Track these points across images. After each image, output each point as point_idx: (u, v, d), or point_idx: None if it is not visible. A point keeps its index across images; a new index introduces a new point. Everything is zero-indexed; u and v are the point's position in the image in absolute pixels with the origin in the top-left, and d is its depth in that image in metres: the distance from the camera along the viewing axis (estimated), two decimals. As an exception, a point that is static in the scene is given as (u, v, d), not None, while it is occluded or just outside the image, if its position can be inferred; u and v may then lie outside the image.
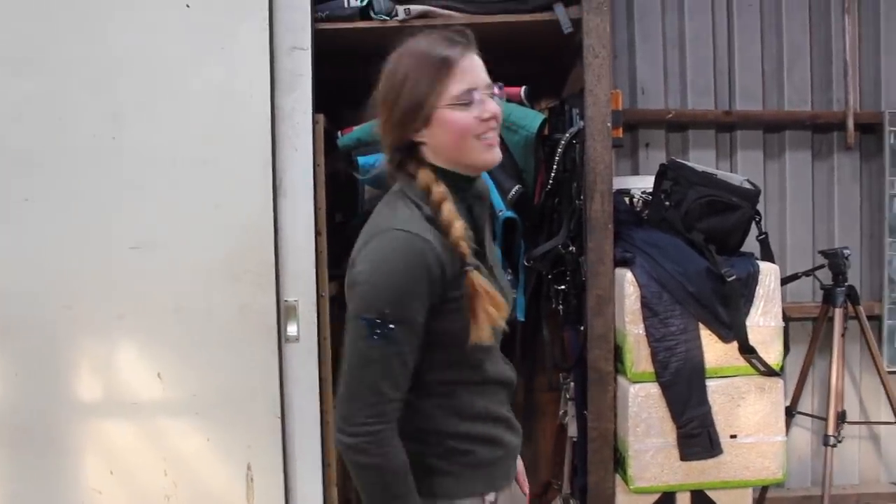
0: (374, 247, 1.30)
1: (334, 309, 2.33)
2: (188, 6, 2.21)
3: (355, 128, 2.48)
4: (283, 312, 2.24)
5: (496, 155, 1.37)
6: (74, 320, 2.22)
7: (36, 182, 2.21)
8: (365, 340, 1.26)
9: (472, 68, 1.34)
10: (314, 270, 2.27)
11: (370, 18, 2.38)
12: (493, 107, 1.34)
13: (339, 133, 2.49)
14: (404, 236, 1.28)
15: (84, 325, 2.23)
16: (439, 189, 1.33)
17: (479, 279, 1.31)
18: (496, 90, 1.43)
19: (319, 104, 2.31)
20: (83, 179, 2.21)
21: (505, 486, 1.49)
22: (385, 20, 2.37)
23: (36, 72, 2.20)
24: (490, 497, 1.43)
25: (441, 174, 1.35)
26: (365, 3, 2.36)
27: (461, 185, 1.38)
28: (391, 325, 1.25)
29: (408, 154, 1.38)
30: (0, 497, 2.23)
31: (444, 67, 1.31)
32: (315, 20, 2.32)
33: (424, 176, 1.35)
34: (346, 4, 2.36)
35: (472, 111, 1.32)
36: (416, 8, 2.37)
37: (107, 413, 2.24)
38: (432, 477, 1.37)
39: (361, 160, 2.35)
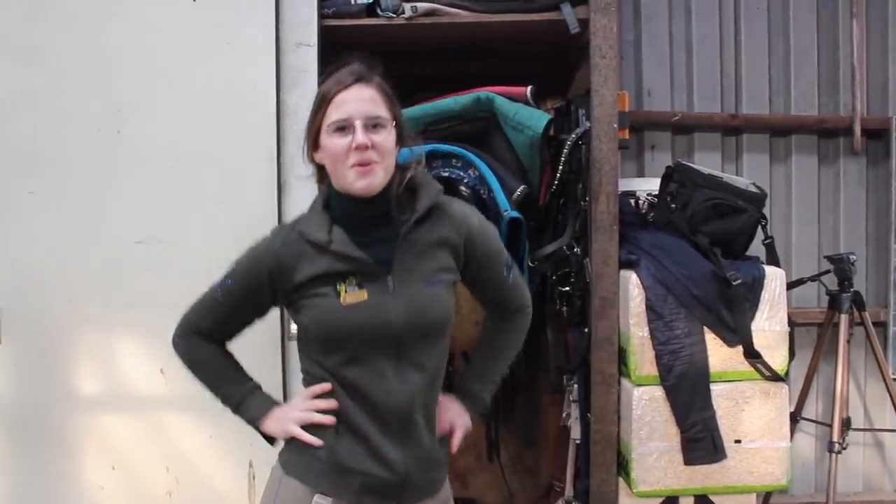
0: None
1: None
2: (194, 1, 2.20)
3: (361, 126, 2.46)
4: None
5: (369, 183, 1.46)
6: (77, 315, 2.21)
7: (40, 176, 2.20)
8: (211, 288, 1.62)
9: (354, 100, 1.46)
10: (318, 268, 2.26)
11: (377, 15, 2.37)
12: (360, 138, 1.44)
13: (344, 131, 2.48)
14: (269, 233, 1.59)
15: (87, 319, 2.22)
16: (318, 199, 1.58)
17: None
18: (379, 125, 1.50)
19: (325, 101, 2.31)
20: (87, 174, 2.21)
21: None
22: (392, 17, 2.36)
23: (40, 66, 2.20)
24: (321, 500, 1.50)
25: (334, 193, 1.53)
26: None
27: (352, 204, 1.50)
28: (225, 284, 1.58)
29: (321, 172, 1.57)
30: (2, 491, 2.22)
31: (327, 96, 1.48)
32: (321, 16, 2.31)
33: (321, 188, 1.60)
34: (352, 1, 2.35)
35: (345, 139, 1.45)
36: (422, 5, 2.36)
37: (109, 408, 2.23)
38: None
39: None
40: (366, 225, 1.51)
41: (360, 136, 1.44)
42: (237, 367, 1.66)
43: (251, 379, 1.65)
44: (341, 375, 1.50)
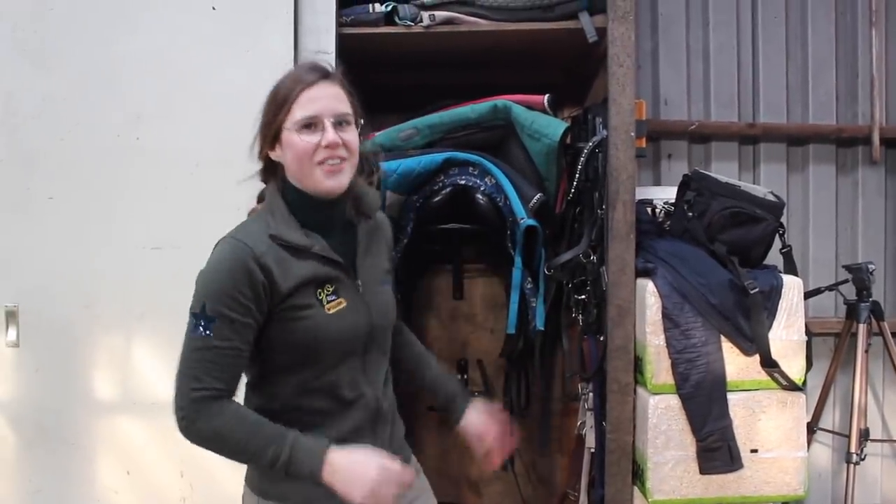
0: (213, 253, 1.46)
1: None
2: (214, 8, 2.22)
3: (378, 133, 2.47)
4: (303, 316, 2.24)
5: (337, 182, 1.46)
6: (95, 320, 2.23)
7: (59, 181, 2.23)
8: (191, 332, 1.43)
9: (321, 97, 1.44)
10: (334, 275, 2.27)
11: (395, 24, 2.38)
12: (332, 136, 1.42)
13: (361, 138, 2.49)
14: (232, 243, 1.43)
15: (104, 324, 2.24)
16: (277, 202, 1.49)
17: None
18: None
19: (342, 109, 2.32)
20: (106, 180, 2.23)
21: None
22: (410, 26, 2.37)
23: (60, 72, 2.23)
24: None
25: (294, 193, 1.48)
26: (390, 8, 2.37)
27: (315, 205, 1.48)
28: (211, 320, 1.39)
29: (272, 170, 1.52)
30: (18, 493, 2.23)
31: (291, 94, 1.44)
32: (339, 24, 2.33)
33: (270, 190, 1.52)
34: (371, 10, 2.36)
35: (313, 137, 1.43)
36: (440, 14, 2.37)
37: (125, 413, 2.25)
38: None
39: (384, 165, 2.35)
40: (330, 227, 1.51)
41: (331, 135, 1.43)
42: (262, 420, 1.42)
43: (284, 427, 1.41)
44: (317, 385, 1.47)
